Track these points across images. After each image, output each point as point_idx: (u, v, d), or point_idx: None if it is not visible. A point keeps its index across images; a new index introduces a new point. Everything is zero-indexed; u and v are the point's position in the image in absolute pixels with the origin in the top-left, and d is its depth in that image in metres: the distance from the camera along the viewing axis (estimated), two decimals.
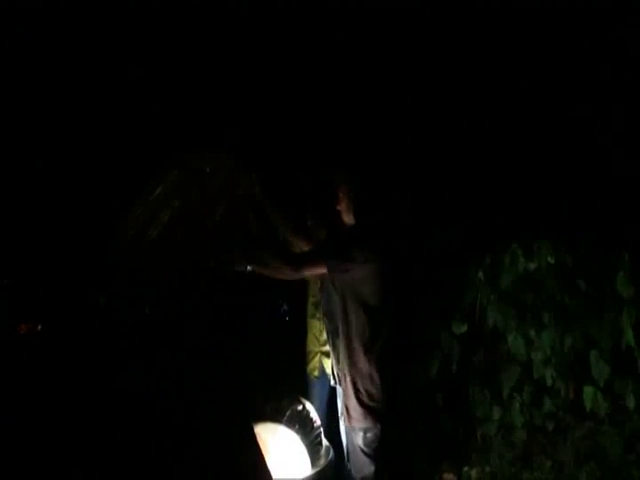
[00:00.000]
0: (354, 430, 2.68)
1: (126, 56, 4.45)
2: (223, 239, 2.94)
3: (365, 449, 2.66)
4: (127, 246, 2.90)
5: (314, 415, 2.80)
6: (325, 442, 2.81)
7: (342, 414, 2.74)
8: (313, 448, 2.70)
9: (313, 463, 2.66)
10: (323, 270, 2.73)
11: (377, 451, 2.65)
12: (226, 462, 2.36)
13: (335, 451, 2.81)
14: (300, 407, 2.79)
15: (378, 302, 2.65)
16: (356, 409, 2.65)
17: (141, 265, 2.90)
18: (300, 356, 3.45)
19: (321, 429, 2.79)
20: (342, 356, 2.70)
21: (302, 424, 2.73)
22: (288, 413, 2.74)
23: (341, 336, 2.70)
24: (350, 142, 4.36)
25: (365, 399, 2.64)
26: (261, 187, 2.90)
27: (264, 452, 2.45)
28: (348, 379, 2.67)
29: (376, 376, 2.64)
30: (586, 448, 3.31)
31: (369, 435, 2.64)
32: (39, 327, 3.04)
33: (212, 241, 2.95)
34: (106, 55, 4.43)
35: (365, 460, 2.66)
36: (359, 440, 2.66)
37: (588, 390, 3.24)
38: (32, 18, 4.27)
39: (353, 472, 2.72)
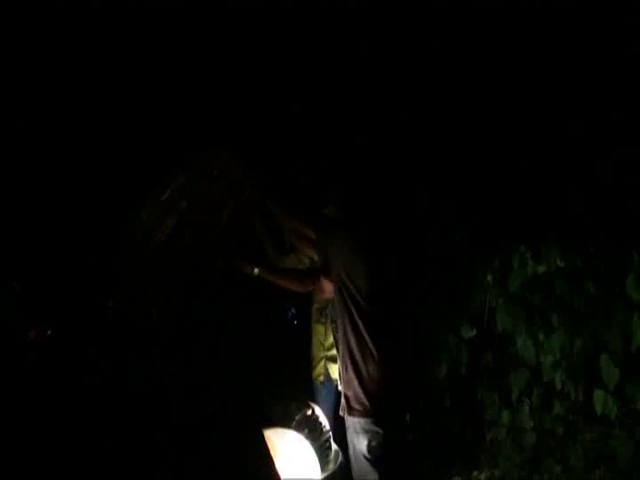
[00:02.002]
0: (357, 436, 2.63)
1: (132, 59, 4.47)
2: (231, 241, 2.96)
3: (368, 456, 2.62)
4: (135, 250, 2.92)
5: (323, 419, 2.79)
6: (334, 446, 2.80)
7: (343, 409, 2.67)
8: (322, 452, 2.68)
9: (322, 467, 2.65)
10: (329, 281, 2.74)
11: (381, 458, 2.61)
12: (235, 467, 2.37)
13: (344, 456, 2.80)
14: (309, 411, 2.78)
15: (370, 290, 2.64)
16: (357, 398, 2.60)
17: (149, 269, 2.91)
18: (307, 361, 3.45)
19: (330, 433, 2.78)
20: (344, 347, 2.67)
21: (311, 428, 2.72)
22: (297, 417, 2.73)
23: (345, 327, 2.67)
24: (353, 147, 4.38)
25: (367, 383, 2.59)
26: (265, 189, 2.89)
27: (273, 456, 2.45)
28: (350, 367, 2.63)
29: (378, 358, 2.60)
30: (596, 452, 3.29)
31: (374, 443, 2.59)
32: (49, 332, 3.05)
33: (220, 243, 2.96)
34: (112, 59, 4.45)
35: (368, 467, 2.62)
36: (362, 447, 2.61)
37: (598, 393, 3.22)
38: (45, 23, 4.31)
39: (356, 478, 2.70)
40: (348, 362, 2.64)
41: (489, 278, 3.57)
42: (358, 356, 2.61)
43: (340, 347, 2.72)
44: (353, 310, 2.63)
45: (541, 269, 3.46)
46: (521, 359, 3.45)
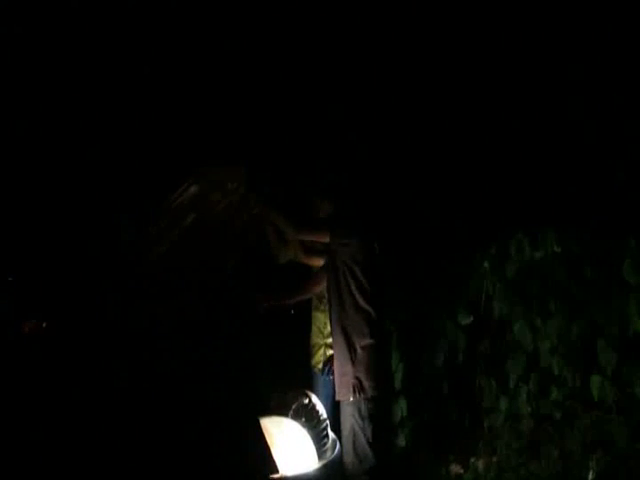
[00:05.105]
0: (363, 421, 2.67)
1: (152, 71, 4.55)
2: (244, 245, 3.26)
3: (372, 441, 2.65)
4: (143, 253, 3.01)
5: (320, 408, 2.79)
6: (331, 435, 2.81)
7: (348, 392, 2.74)
8: (319, 441, 2.69)
9: (319, 456, 2.66)
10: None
11: (382, 444, 2.66)
12: (233, 455, 2.37)
13: (341, 443, 2.81)
14: (306, 400, 2.78)
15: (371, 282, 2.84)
16: (368, 377, 2.72)
17: (155, 270, 3.02)
18: (305, 349, 3.44)
19: (327, 422, 2.78)
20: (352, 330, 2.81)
21: (308, 417, 2.73)
22: (294, 406, 2.74)
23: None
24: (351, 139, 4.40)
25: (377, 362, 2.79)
26: (271, 204, 3.02)
27: (270, 445, 2.45)
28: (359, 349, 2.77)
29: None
30: (593, 437, 3.28)
31: (377, 428, 2.64)
32: (44, 325, 3.04)
33: (233, 247, 3.24)
34: (131, 70, 4.52)
35: (370, 454, 2.66)
36: (368, 432, 2.67)
37: (595, 378, 3.22)
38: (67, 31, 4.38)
39: (355, 464, 2.70)
40: (357, 345, 2.75)
41: (486, 265, 3.56)
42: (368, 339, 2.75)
43: (345, 332, 2.78)
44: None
45: (538, 255, 3.44)
46: (518, 345, 3.44)
